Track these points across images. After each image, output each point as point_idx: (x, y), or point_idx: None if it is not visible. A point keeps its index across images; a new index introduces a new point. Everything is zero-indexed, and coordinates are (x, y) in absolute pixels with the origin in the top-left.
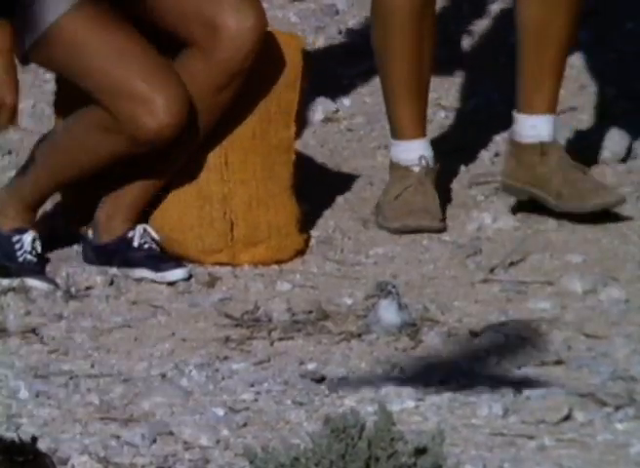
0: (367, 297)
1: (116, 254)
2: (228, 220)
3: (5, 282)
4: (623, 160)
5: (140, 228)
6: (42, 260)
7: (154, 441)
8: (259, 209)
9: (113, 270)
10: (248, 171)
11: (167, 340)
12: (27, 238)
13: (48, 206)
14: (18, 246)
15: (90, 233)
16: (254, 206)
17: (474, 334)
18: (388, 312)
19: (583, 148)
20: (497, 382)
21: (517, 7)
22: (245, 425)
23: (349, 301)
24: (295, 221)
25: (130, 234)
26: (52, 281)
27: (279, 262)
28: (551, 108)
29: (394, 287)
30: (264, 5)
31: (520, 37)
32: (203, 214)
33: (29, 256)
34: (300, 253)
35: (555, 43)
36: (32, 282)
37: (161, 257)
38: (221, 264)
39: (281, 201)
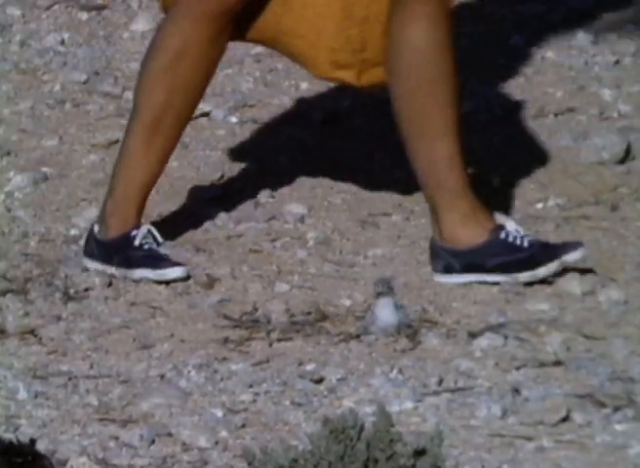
0: (367, 295)
1: (117, 252)
2: (363, 40)
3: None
4: (622, 161)
5: (144, 228)
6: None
7: (153, 442)
8: None
9: (112, 271)
10: None
11: (166, 341)
12: (511, 225)
13: (46, 208)
14: (511, 238)
15: (96, 227)
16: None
17: (473, 335)
18: (386, 310)
19: (582, 149)
20: (495, 383)
21: None
22: (244, 426)
23: (348, 302)
24: None
25: (133, 233)
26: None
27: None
28: None
29: (391, 285)
30: None
31: None
32: (341, 28)
33: (531, 238)
34: None
35: None
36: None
37: (160, 257)
38: (344, 82)
39: None
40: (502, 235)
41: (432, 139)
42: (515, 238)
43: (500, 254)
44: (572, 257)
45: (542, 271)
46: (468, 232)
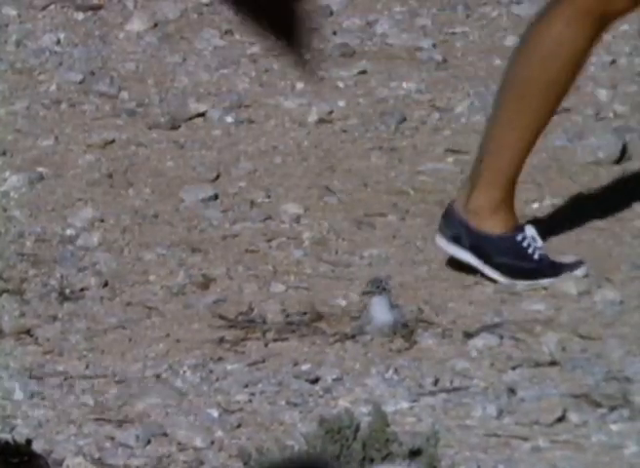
0: (362, 294)
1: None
2: None
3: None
4: (617, 161)
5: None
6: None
7: (148, 442)
8: None
9: (107, 271)
10: None
11: (161, 341)
12: (530, 231)
13: (42, 208)
14: (525, 243)
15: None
16: None
17: (468, 335)
18: (381, 310)
19: (577, 149)
20: (491, 383)
21: None
22: (239, 426)
23: (343, 302)
24: None
25: (519, 236)
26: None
27: None
28: None
29: (387, 284)
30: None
31: None
32: None
33: (543, 252)
34: None
35: None
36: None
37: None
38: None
39: None
40: (519, 237)
41: (520, 125)
42: (529, 245)
43: (507, 254)
44: (575, 275)
45: (544, 282)
46: (492, 217)
